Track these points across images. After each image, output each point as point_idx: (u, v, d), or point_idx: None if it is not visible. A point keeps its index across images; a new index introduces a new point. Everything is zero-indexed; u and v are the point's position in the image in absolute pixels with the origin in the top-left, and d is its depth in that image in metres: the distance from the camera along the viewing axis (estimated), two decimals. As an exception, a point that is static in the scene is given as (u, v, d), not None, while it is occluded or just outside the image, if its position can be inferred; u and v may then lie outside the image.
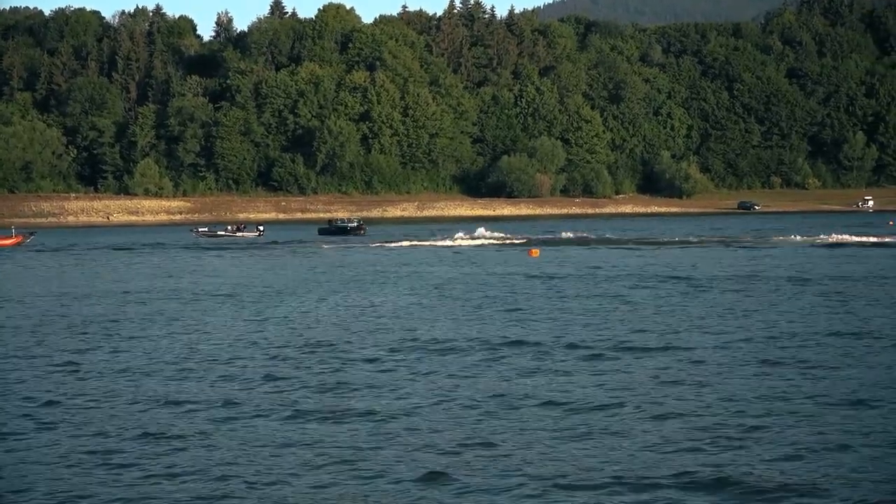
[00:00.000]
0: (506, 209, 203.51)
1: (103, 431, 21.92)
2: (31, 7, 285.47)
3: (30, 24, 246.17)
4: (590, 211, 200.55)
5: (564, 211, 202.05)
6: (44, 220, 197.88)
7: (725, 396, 24.25)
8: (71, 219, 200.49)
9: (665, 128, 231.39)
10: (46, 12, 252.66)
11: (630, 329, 35.46)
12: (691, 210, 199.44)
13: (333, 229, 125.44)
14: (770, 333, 33.68)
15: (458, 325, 37.12)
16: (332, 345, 32.66)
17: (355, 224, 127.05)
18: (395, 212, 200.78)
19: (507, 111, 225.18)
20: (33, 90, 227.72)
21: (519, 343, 32.42)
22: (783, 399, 23.96)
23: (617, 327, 36.03)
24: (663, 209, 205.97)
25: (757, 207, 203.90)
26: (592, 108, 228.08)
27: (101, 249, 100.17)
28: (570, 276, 57.42)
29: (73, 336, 35.88)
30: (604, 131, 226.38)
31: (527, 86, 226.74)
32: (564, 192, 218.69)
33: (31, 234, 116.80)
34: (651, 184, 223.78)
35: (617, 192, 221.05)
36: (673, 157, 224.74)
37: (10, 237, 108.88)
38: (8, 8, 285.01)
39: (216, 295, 50.17)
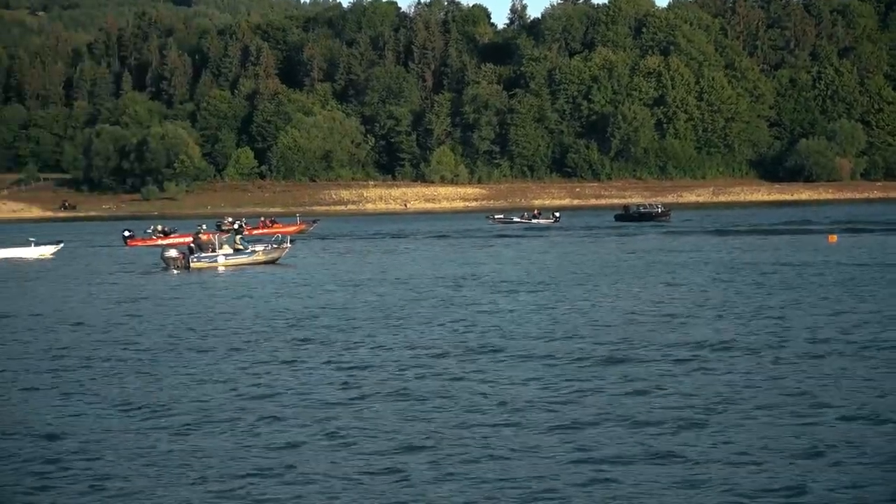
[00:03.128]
0: (804, 194, 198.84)
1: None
2: (331, 0, 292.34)
3: (329, 17, 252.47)
4: (892, 195, 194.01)
5: (865, 195, 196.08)
6: (343, 207, 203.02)
7: None
8: (369, 206, 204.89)
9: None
10: (345, 4, 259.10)
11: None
12: None
13: (635, 215, 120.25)
14: None
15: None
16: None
17: (660, 210, 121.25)
18: (689, 197, 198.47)
19: (804, 94, 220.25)
20: (333, 81, 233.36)
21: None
22: None
23: None
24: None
25: None
26: (895, 89, 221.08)
27: (395, 236, 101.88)
28: None
29: (354, 323, 36.38)
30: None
31: (825, 67, 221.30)
32: (865, 175, 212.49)
33: (314, 221, 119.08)
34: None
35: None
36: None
37: (295, 225, 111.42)
38: (308, 1, 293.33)
39: (515, 282, 50.11)
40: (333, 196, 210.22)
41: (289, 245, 68.26)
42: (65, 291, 52.30)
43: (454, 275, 54.93)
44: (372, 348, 30.41)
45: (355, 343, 31.50)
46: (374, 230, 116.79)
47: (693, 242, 78.20)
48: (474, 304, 40.76)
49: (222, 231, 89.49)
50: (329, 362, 28.23)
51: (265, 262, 65.59)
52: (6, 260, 77.66)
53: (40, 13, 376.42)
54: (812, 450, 18.67)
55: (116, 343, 32.96)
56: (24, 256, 79.95)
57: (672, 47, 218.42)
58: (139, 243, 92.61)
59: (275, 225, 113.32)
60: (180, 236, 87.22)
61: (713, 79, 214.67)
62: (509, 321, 35.45)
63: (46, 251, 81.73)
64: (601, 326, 33.65)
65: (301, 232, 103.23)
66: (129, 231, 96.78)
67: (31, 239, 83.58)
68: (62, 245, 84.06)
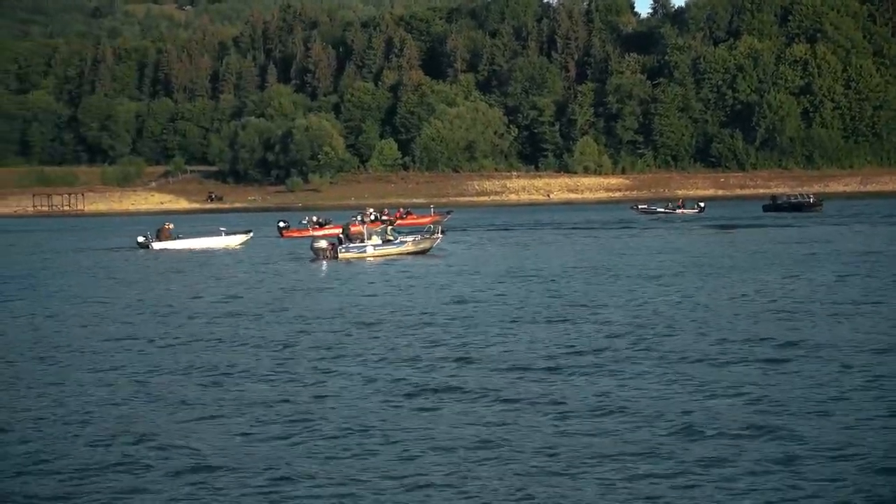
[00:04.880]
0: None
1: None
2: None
3: (472, 7, 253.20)
4: None
5: None
6: (486, 198, 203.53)
7: None
8: (512, 197, 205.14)
9: None
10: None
11: None
12: None
13: (784, 206, 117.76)
14: None
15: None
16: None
17: (811, 200, 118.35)
18: (836, 187, 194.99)
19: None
20: (476, 71, 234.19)
21: None
22: None
23: None
24: None
25: None
26: None
27: (542, 226, 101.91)
28: None
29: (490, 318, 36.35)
30: None
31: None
32: None
33: (448, 213, 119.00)
34: None
35: None
36: None
37: (429, 216, 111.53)
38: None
39: (652, 274, 49.63)
40: (476, 187, 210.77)
41: (440, 235, 68.60)
42: (237, 280, 53.13)
43: (607, 265, 54.72)
44: (530, 343, 30.36)
45: (508, 335, 31.50)
46: (520, 221, 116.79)
47: (854, 234, 76.58)
48: (634, 296, 40.54)
49: (373, 222, 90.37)
50: (483, 353, 28.26)
51: (415, 253, 65.97)
52: (199, 251, 78.21)
53: (188, 7, 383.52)
54: None
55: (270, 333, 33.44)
56: (220, 246, 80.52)
57: (819, 35, 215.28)
58: (294, 234, 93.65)
59: (409, 216, 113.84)
60: (335, 227, 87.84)
61: (861, 66, 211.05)
62: (674, 313, 35.23)
63: (236, 241, 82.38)
64: (770, 321, 33.29)
65: (436, 223, 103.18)
66: (284, 222, 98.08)
67: (222, 229, 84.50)
68: (251, 234, 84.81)
